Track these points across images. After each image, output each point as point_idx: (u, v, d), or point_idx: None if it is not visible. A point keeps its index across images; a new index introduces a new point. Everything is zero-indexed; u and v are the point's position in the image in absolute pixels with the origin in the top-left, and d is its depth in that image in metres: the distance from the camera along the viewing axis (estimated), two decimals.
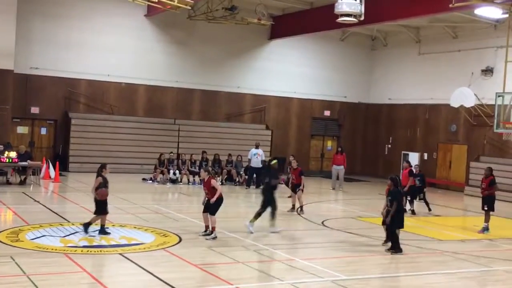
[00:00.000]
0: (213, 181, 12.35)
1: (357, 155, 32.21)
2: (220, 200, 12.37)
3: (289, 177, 17.49)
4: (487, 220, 15.29)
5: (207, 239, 11.97)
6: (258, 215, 13.51)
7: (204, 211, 12.46)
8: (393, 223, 11.99)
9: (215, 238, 12.11)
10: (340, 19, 18.98)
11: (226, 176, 23.92)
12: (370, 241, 13.56)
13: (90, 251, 10.78)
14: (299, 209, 16.95)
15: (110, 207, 16.15)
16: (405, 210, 18.19)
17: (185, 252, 11.11)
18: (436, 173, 28.45)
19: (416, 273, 10.79)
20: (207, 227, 12.48)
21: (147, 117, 27.09)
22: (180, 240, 12.08)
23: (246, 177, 23.46)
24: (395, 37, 31.29)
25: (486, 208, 15.32)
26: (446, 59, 28.23)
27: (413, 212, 18.09)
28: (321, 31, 26.99)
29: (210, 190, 12.33)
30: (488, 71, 26.02)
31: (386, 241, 12.53)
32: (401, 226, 12.15)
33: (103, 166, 12.66)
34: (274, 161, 14.75)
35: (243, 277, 9.82)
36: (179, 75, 27.70)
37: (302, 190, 17.00)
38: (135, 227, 13.28)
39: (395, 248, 11.97)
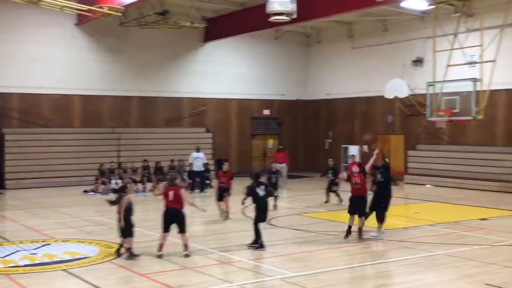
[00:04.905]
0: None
1: (299, 151, 32.55)
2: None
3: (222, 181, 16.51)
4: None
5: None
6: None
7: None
8: (256, 219, 12.16)
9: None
10: (273, 18, 19.10)
11: None
12: (316, 236, 13.75)
13: (33, 270, 10.47)
14: (226, 215, 16.16)
15: (50, 222, 15.95)
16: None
17: (131, 262, 10.96)
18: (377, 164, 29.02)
19: (362, 264, 11.01)
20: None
21: (84, 127, 26.54)
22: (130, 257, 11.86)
23: (190, 181, 23.35)
24: (328, 33, 31.79)
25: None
26: (378, 52, 28.89)
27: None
28: (255, 31, 27.11)
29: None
30: (418, 61, 26.80)
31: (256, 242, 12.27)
32: (262, 220, 12.32)
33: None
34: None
35: (192, 283, 9.77)
36: (115, 83, 27.26)
37: (230, 194, 16.25)
38: (78, 241, 13.01)
39: (258, 243, 12.06)
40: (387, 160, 13.89)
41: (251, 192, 12.38)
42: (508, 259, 11.23)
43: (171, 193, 11.47)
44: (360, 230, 13.09)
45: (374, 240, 13.07)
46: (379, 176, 13.09)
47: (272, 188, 13.69)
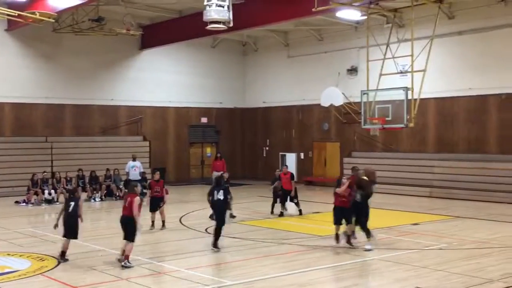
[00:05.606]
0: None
1: (237, 159, 32.63)
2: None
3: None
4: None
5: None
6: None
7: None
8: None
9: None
10: (210, 26, 19.11)
11: (105, 192, 23.33)
12: (253, 244, 13.80)
13: None
14: (162, 224, 16.04)
15: None
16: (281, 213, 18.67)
17: (64, 274, 10.67)
18: (313, 171, 29.53)
19: (299, 270, 11.09)
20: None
21: (15, 136, 25.74)
22: (59, 263, 11.58)
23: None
24: (264, 42, 32.09)
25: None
26: (314, 61, 29.39)
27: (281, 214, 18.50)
28: (192, 38, 27.08)
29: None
30: (353, 70, 27.45)
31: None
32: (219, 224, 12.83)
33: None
34: None
35: None
36: (48, 91, 26.56)
37: (165, 203, 16.10)
38: (8, 254, 12.54)
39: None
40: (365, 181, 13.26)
41: (209, 193, 12.99)
42: (438, 263, 11.59)
43: (127, 200, 11.47)
44: (348, 238, 13.15)
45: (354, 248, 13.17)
46: (358, 196, 12.97)
47: (230, 195, 13.74)
